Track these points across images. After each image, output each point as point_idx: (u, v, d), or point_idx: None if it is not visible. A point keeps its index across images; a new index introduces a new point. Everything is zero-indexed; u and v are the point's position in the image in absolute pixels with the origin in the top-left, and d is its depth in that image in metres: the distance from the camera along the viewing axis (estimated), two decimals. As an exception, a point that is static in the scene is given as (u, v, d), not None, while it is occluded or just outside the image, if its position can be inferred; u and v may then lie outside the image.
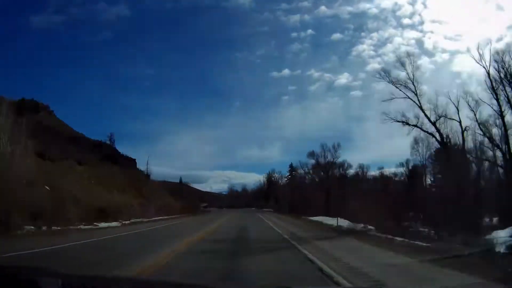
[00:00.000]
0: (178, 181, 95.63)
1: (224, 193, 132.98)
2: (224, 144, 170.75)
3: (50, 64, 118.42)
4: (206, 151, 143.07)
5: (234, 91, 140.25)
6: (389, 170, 47.62)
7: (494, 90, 23.48)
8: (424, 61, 76.52)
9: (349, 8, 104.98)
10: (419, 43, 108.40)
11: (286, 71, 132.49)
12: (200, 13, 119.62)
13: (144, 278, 5.45)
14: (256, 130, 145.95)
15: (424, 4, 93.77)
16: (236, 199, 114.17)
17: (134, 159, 52.99)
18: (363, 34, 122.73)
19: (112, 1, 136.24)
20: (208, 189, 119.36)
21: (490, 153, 23.90)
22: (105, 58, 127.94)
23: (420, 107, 26.99)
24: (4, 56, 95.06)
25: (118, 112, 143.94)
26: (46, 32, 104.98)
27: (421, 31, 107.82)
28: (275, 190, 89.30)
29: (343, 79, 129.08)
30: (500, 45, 32.03)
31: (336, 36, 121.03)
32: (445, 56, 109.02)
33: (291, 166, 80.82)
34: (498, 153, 23.61)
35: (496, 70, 23.52)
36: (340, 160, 52.62)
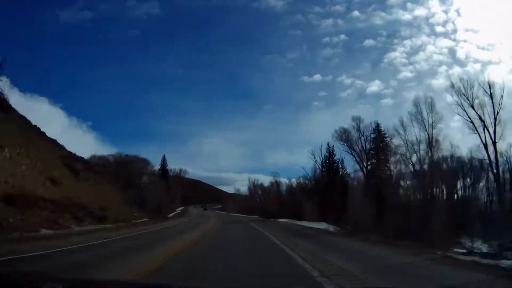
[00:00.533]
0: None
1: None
2: (252, 147, 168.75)
3: (75, 60, 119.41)
4: (234, 154, 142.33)
5: (264, 94, 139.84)
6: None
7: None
8: (455, 70, 75.42)
9: (383, 14, 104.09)
10: (452, 52, 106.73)
11: (317, 76, 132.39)
12: (231, 13, 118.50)
13: (144, 281, 5.41)
14: (284, 135, 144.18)
15: (457, 12, 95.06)
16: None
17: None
18: (395, 41, 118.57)
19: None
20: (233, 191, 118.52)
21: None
22: (133, 56, 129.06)
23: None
24: (30, 49, 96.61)
25: (145, 111, 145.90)
26: (73, 28, 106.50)
27: (454, 39, 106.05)
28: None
29: (375, 86, 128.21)
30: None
31: (369, 42, 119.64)
32: (477, 66, 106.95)
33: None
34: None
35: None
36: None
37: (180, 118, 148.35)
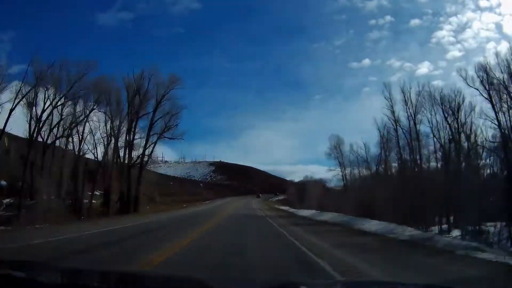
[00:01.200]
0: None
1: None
2: (305, 138, 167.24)
3: (120, 58, 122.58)
4: (287, 146, 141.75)
5: (313, 83, 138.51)
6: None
7: None
8: (503, 46, 68.32)
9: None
10: (498, 26, 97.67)
11: (366, 61, 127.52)
12: (273, 2, 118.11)
13: (144, 272, 5.43)
14: (336, 123, 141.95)
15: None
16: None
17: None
18: (441, 19, 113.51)
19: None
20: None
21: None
22: (178, 53, 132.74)
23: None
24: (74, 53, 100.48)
25: (196, 108, 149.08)
26: (114, 30, 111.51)
27: (500, 13, 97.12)
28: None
29: (424, 68, 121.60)
30: None
31: (415, 22, 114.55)
32: None
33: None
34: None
35: None
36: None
37: (232, 112, 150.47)
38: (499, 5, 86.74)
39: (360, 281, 5.21)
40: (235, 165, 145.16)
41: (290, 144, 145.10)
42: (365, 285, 3.61)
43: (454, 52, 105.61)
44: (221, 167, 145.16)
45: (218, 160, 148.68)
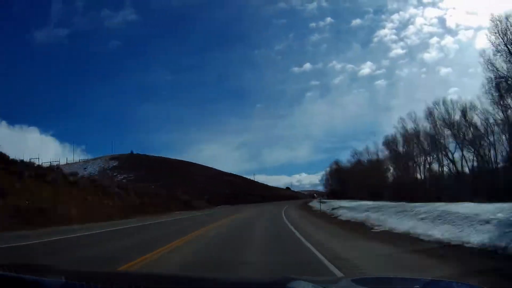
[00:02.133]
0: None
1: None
2: (250, 148, 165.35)
3: (56, 78, 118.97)
4: (234, 157, 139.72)
5: (256, 91, 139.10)
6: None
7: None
8: (447, 40, 72.82)
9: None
10: (441, 21, 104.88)
11: (307, 65, 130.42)
12: (210, 9, 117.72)
13: (149, 273, 5.33)
14: (281, 131, 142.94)
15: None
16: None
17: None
18: (383, 17, 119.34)
19: (117, 6, 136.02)
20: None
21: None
22: (116, 67, 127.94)
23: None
24: (7, 74, 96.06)
25: (138, 123, 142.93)
26: (50, 47, 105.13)
27: (442, 8, 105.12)
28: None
29: (366, 68, 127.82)
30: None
31: (356, 22, 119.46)
32: (469, 33, 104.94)
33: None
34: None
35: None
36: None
37: (175, 127, 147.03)
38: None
39: (363, 278, 5.25)
40: (157, 158, 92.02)
41: (236, 156, 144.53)
42: (368, 281, 3.60)
43: (397, 50, 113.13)
44: (132, 160, 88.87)
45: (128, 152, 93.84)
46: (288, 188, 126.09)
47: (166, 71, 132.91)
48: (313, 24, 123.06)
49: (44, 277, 2.42)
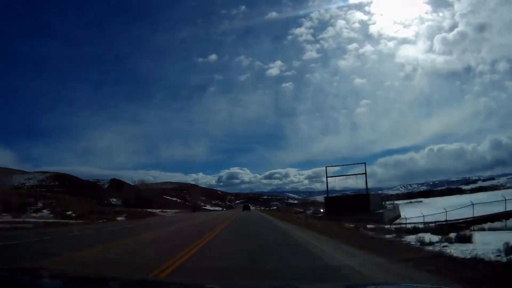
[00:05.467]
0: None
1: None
2: (147, 141, 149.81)
3: None
4: (128, 149, 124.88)
5: (154, 79, 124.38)
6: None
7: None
8: (367, 49, 69.72)
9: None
10: (364, 27, 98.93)
11: (213, 57, 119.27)
12: None
13: (149, 278, 5.26)
14: (180, 126, 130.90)
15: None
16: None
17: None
18: (302, 13, 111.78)
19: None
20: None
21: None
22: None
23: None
24: None
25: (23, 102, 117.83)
26: None
27: (368, 12, 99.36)
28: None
29: (275, 68, 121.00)
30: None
31: (272, 15, 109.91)
32: (391, 44, 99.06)
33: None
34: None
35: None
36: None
37: (66, 108, 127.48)
38: (370, 2, 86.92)
39: (364, 284, 5.29)
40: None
41: (131, 147, 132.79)
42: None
43: (312, 53, 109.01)
44: None
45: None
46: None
47: (59, 42, 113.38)
48: (224, 11, 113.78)
49: (40, 280, 2.46)
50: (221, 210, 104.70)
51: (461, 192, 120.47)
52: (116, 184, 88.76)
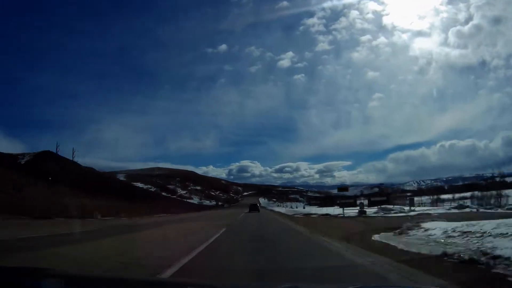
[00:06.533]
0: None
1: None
2: (154, 133, 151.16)
3: None
4: (136, 141, 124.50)
5: (161, 70, 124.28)
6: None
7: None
8: (380, 41, 66.65)
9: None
10: (378, 17, 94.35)
11: (223, 47, 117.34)
12: None
13: (152, 279, 5.17)
14: (189, 118, 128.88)
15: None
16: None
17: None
18: (314, 1, 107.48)
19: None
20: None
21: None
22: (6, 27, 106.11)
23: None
24: None
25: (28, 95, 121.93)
26: None
27: (382, 2, 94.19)
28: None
29: (287, 59, 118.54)
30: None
31: (283, 4, 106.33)
32: (405, 36, 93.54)
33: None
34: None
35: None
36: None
37: (71, 102, 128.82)
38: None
39: (364, 286, 5.14)
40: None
41: (138, 140, 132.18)
42: None
43: (324, 44, 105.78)
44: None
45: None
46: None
47: (61, 32, 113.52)
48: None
49: (42, 281, 2.46)
50: (208, 209, 75.74)
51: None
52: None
